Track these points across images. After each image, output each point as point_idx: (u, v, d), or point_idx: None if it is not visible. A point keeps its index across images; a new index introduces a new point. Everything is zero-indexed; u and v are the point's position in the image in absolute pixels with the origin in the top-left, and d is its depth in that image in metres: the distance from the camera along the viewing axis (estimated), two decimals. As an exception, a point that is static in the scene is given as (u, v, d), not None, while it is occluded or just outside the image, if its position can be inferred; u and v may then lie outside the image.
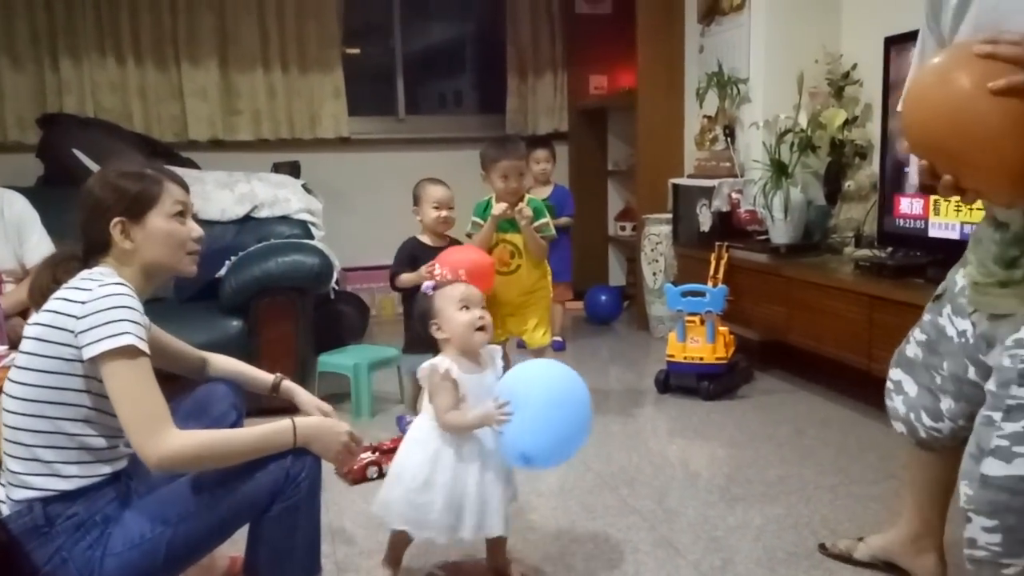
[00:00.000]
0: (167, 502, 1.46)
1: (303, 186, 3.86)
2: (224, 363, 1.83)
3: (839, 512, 2.25)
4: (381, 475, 2.53)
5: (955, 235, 2.74)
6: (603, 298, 4.76)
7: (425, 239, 2.98)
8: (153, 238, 1.51)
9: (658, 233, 4.19)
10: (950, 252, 2.82)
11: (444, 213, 2.93)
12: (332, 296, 3.42)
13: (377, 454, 2.57)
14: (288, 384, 1.82)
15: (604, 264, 5.42)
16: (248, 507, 1.48)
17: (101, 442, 1.45)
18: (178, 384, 1.66)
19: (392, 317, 4.95)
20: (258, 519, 1.51)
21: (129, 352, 1.37)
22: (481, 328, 1.83)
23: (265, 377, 1.84)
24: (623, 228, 5.12)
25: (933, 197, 2.82)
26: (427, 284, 1.93)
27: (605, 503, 2.35)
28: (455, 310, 1.84)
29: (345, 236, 4.49)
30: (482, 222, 2.90)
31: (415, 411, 2.92)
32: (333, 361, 3.24)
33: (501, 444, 1.74)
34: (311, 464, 1.52)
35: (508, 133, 5.07)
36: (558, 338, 4.14)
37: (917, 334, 1.67)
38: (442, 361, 1.80)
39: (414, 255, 2.91)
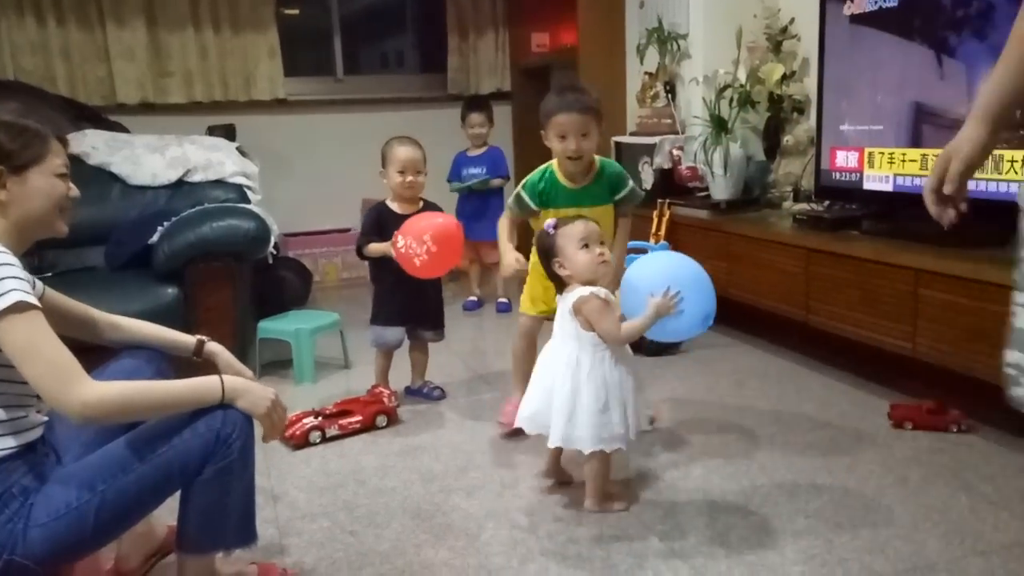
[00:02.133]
0: (93, 469, 1.42)
1: (238, 149, 3.76)
2: (138, 327, 1.73)
3: (777, 460, 2.29)
4: (324, 439, 2.50)
5: (888, 187, 2.79)
6: (549, 258, 4.75)
7: (394, 205, 2.73)
8: (32, 193, 1.44)
9: (601, 192, 4.19)
10: (884, 204, 2.88)
11: (409, 178, 2.67)
12: (271, 262, 3.35)
13: (320, 419, 2.53)
14: (212, 346, 1.74)
15: (550, 225, 5.40)
16: (179, 471, 1.45)
17: (1, 414, 1.39)
18: (95, 355, 1.59)
19: (336, 282, 4.89)
20: (190, 483, 1.47)
21: (18, 308, 1.31)
22: (604, 263, 1.95)
23: (186, 340, 1.74)
24: (568, 188, 5.10)
25: (868, 149, 2.86)
26: (549, 223, 2.00)
27: (549, 459, 2.36)
28: (576, 250, 1.94)
29: (285, 200, 4.41)
30: (529, 202, 2.38)
31: (385, 382, 2.86)
32: (274, 327, 3.19)
33: (679, 323, 1.92)
34: (242, 424, 1.48)
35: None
36: (503, 299, 4.14)
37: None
38: (593, 290, 1.92)
39: (382, 222, 2.69)
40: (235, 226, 3.00)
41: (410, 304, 2.76)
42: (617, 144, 4.14)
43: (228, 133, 4.18)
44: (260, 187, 3.72)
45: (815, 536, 1.89)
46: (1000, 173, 2.40)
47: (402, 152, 2.69)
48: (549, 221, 2.01)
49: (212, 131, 4.14)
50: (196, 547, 1.53)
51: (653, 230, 3.54)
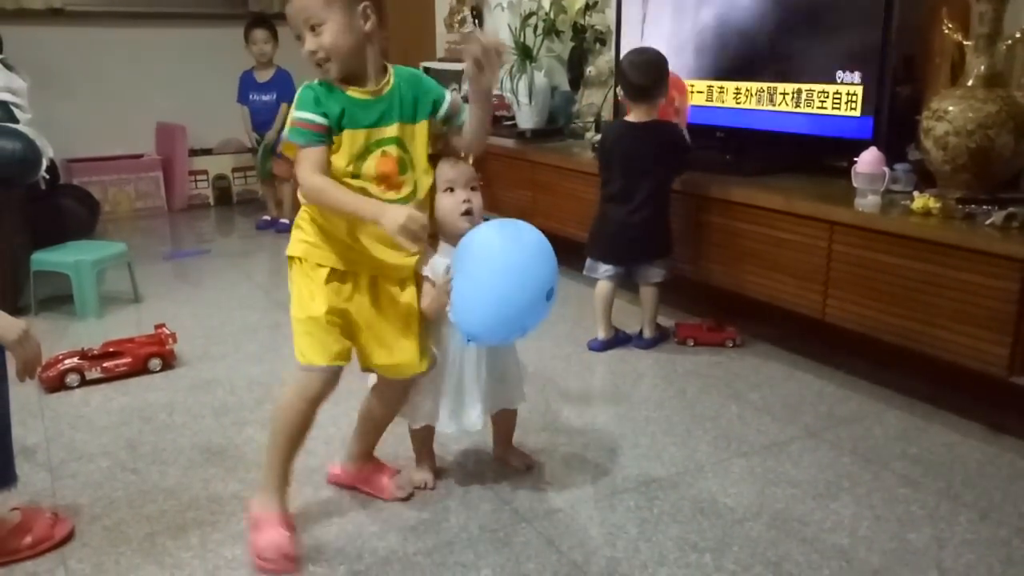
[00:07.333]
0: None
1: (2, 61, 3.36)
2: None
3: (570, 381, 2.40)
4: (84, 382, 2.33)
5: (678, 117, 2.91)
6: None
7: None
8: None
9: (411, 119, 4.12)
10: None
11: None
12: (44, 188, 3.05)
13: (80, 360, 2.34)
14: None
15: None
16: None
17: None
18: None
19: (129, 212, 4.56)
20: None
21: None
22: (466, 213, 1.63)
23: None
24: (379, 115, 4.98)
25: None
26: None
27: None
28: (439, 191, 1.63)
29: (65, 122, 4.03)
30: (316, 119, 1.48)
31: None
32: (49, 259, 2.93)
33: (451, 318, 1.56)
34: None
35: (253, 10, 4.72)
36: (286, 220, 4.17)
37: None
38: (434, 272, 1.63)
39: None
40: (-3, 148, 2.71)
41: None
42: (426, 69, 4.07)
43: (-8, 45, 3.73)
44: (31, 105, 3.36)
45: (599, 448, 1.99)
46: (774, 105, 2.57)
47: None
48: None
49: (-28, 42, 3.67)
50: (-56, 493, 1.41)
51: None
